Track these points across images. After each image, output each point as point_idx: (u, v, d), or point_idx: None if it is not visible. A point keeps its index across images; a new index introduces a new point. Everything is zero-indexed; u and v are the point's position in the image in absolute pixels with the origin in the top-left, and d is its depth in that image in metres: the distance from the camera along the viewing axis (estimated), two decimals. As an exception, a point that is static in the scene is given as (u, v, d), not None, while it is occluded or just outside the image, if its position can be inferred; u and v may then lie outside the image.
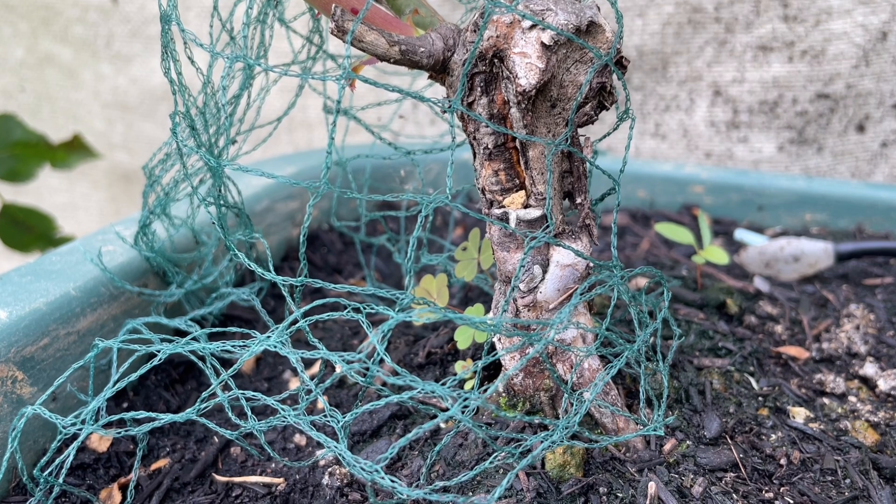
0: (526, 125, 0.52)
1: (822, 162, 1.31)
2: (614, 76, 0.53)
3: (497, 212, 0.56)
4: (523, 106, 0.51)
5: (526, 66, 0.50)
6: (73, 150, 1.17)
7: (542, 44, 0.50)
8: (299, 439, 0.65)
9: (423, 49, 0.52)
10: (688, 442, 0.59)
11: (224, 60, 0.48)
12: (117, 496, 0.61)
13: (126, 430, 0.52)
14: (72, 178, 1.78)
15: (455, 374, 0.52)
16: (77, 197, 1.81)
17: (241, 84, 0.67)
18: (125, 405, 0.72)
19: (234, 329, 0.57)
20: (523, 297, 0.57)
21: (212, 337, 0.80)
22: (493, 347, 0.62)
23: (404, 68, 0.66)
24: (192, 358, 0.59)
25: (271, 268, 0.52)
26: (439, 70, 0.54)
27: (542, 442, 0.50)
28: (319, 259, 1.00)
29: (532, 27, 0.49)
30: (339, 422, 0.50)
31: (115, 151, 1.69)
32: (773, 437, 0.61)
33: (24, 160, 1.12)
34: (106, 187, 1.77)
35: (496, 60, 0.51)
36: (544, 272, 0.56)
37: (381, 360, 0.68)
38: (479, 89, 0.52)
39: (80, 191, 1.80)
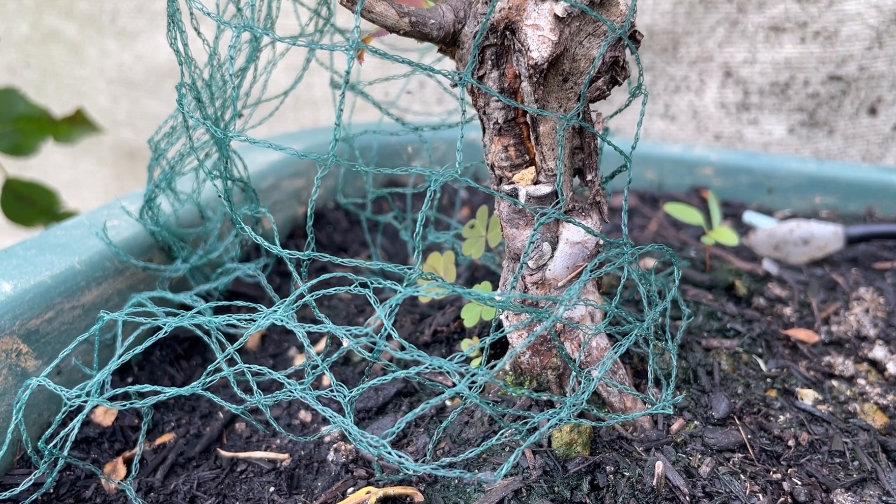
0: (537, 99, 0.52)
1: (833, 145, 1.30)
2: (627, 51, 0.52)
3: (506, 188, 0.55)
4: (535, 80, 0.50)
5: (538, 39, 0.49)
6: (76, 125, 1.16)
7: (555, 16, 0.49)
8: (304, 415, 0.65)
9: (433, 21, 0.51)
10: (695, 422, 0.59)
11: (232, 30, 0.48)
12: (122, 470, 0.61)
13: (131, 403, 0.52)
14: (76, 155, 1.77)
15: (461, 352, 0.51)
16: (81, 174, 1.80)
17: (247, 57, 0.66)
18: (130, 380, 0.72)
19: (239, 303, 0.57)
20: (532, 275, 0.56)
21: (217, 312, 0.79)
22: (500, 325, 0.61)
23: (412, 44, 0.65)
24: (198, 332, 0.59)
25: (277, 243, 0.52)
26: (449, 43, 0.53)
27: (548, 420, 0.50)
28: (325, 237, 1.00)
29: (545, -2, 0.48)
30: (345, 397, 0.50)
31: (120, 128, 1.68)
32: (782, 418, 0.60)
33: (27, 134, 1.11)
34: (110, 164, 1.76)
35: (508, 33, 0.50)
36: (553, 249, 0.56)
37: (389, 336, 0.68)
38: (489, 62, 0.51)
39: (84, 168, 1.79)
